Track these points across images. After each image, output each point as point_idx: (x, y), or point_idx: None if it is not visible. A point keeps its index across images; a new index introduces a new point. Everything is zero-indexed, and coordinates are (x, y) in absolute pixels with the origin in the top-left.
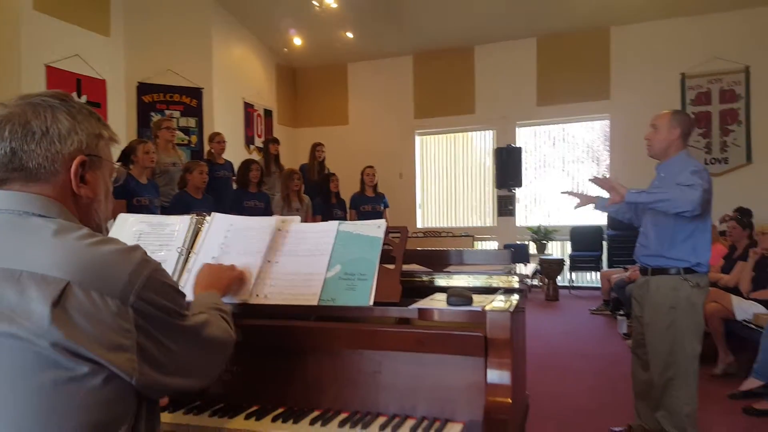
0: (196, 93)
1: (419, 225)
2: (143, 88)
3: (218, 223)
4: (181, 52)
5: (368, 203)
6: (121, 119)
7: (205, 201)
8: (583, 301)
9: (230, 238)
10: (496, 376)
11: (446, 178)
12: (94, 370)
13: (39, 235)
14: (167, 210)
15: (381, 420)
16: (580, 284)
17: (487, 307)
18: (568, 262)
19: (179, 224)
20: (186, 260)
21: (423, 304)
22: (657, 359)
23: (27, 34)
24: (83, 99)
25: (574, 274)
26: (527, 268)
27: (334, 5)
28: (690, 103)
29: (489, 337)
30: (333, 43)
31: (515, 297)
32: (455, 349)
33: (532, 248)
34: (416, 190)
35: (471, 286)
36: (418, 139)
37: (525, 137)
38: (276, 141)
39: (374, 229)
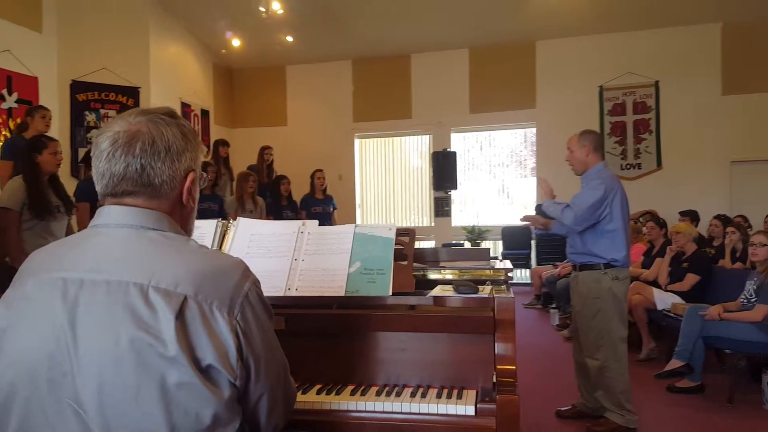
0: (133, 92)
1: None
2: (77, 87)
3: (243, 228)
4: (117, 51)
5: (318, 205)
6: (53, 118)
7: None
8: (515, 297)
9: (256, 242)
10: (503, 348)
11: (385, 180)
12: (210, 374)
13: (157, 250)
14: None
15: (409, 389)
16: (511, 281)
17: (495, 294)
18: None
19: (207, 228)
20: None
21: (433, 294)
22: (588, 344)
23: None
24: (14, 96)
25: None
26: (505, 263)
27: (281, 11)
28: (607, 114)
29: (497, 317)
30: (272, 46)
31: (503, 287)
32: (471, 328)
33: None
34: (356, 191)
35: (464, 278)
36: (357, 141)
37: (457, 142)
38: (226, 143)
39: (386, 230)
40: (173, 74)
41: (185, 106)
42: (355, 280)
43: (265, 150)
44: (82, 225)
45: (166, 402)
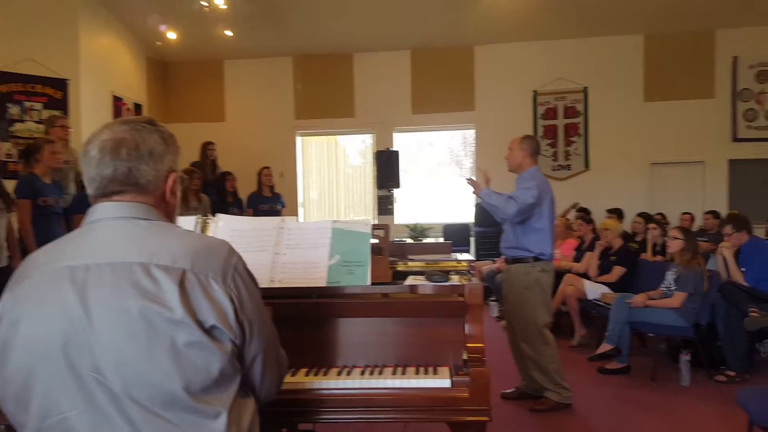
0: (61, 84)
1: None
2: (0, 77)
3: (224, 224)
4: (44, 41)
5: (266, 203)
6: None
7: None
8: None
9: (237, 237)
10: (472, 329)
11: (327, 178)
12: (214, 333)
13: (152, 235)
14: (68, 210)
15: (389, 369)
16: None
17: (465, 282)
18: None
19: (186, 224)
20: None
21: (407, 283)
22: (519, 329)
23: None
24: None
25: None
26: (466, 256)
27: (224, 6)
28: (540, 117)
29: (468, 302)
30: (211, 40)
31: (467, 276)
32: (444, 312)
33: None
34: (298, 190)
35: (432, 269)
36: (299, 139)
37: (399, 141)
38: None
39: (362, 226)
40: (104, 66)
41: (117, 99)
42: (336, 272)
43: (207, 146)
44: (23, 222)
45: (178, 360)
